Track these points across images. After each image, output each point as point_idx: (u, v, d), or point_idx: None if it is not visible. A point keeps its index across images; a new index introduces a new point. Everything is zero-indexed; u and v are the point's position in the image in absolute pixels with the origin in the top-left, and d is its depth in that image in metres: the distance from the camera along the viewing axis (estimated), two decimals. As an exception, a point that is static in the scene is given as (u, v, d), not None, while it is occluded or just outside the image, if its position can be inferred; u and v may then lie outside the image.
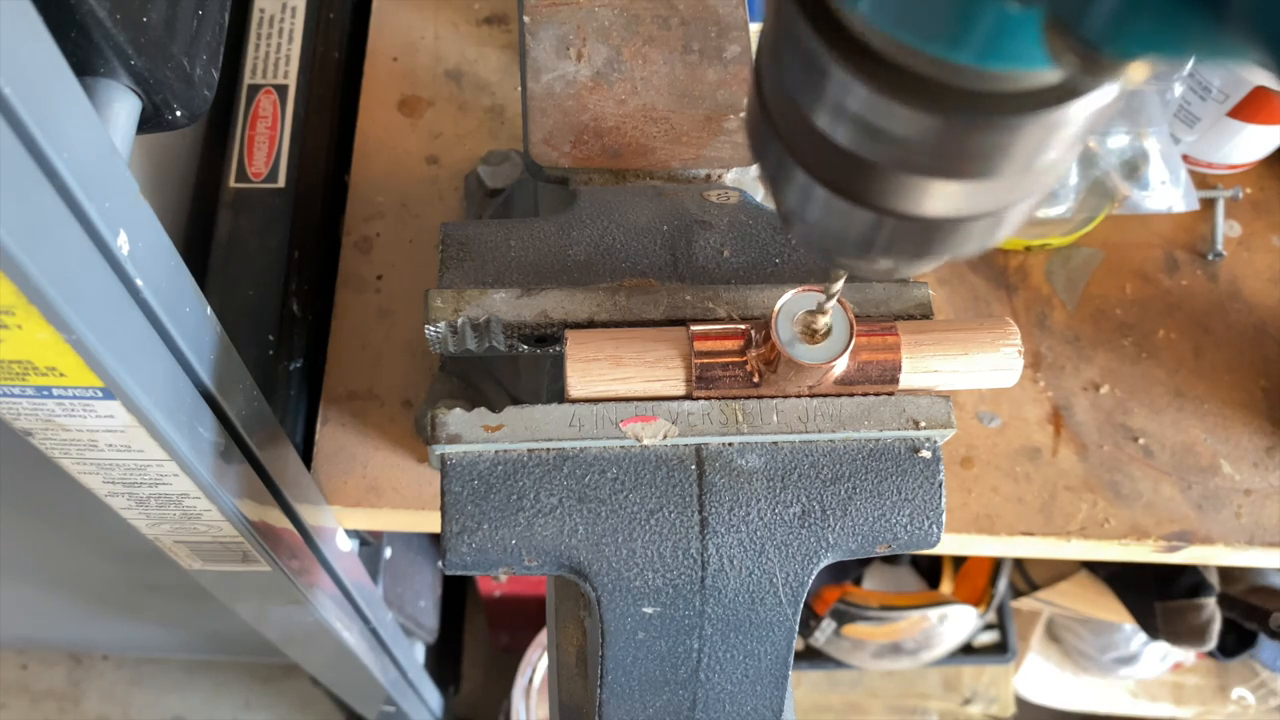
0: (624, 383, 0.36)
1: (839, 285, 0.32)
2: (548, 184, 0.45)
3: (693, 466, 0.36)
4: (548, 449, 0.36)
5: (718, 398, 0.36)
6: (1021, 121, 0.19)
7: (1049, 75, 0.19)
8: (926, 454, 0.37)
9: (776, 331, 0.34)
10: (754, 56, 0.24)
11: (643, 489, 0.36)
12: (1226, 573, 0.91)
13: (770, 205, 0.43)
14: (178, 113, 0.37)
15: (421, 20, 0.70)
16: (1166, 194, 0.65)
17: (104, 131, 0.28)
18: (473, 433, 0.36)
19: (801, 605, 0.37)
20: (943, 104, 0.19)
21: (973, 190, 0.21)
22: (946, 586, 1.11)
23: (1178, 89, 0.65)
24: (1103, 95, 0.19)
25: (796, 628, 0.38)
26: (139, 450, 0.37)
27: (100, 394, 0.32)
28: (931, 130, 0.20)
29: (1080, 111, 0.19)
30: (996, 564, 1.09)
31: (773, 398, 0.37)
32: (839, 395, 0.37)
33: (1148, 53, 0.15)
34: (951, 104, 0.19)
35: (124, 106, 0.35)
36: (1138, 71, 0.16)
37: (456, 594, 1.27)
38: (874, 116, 0.20)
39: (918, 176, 0.21)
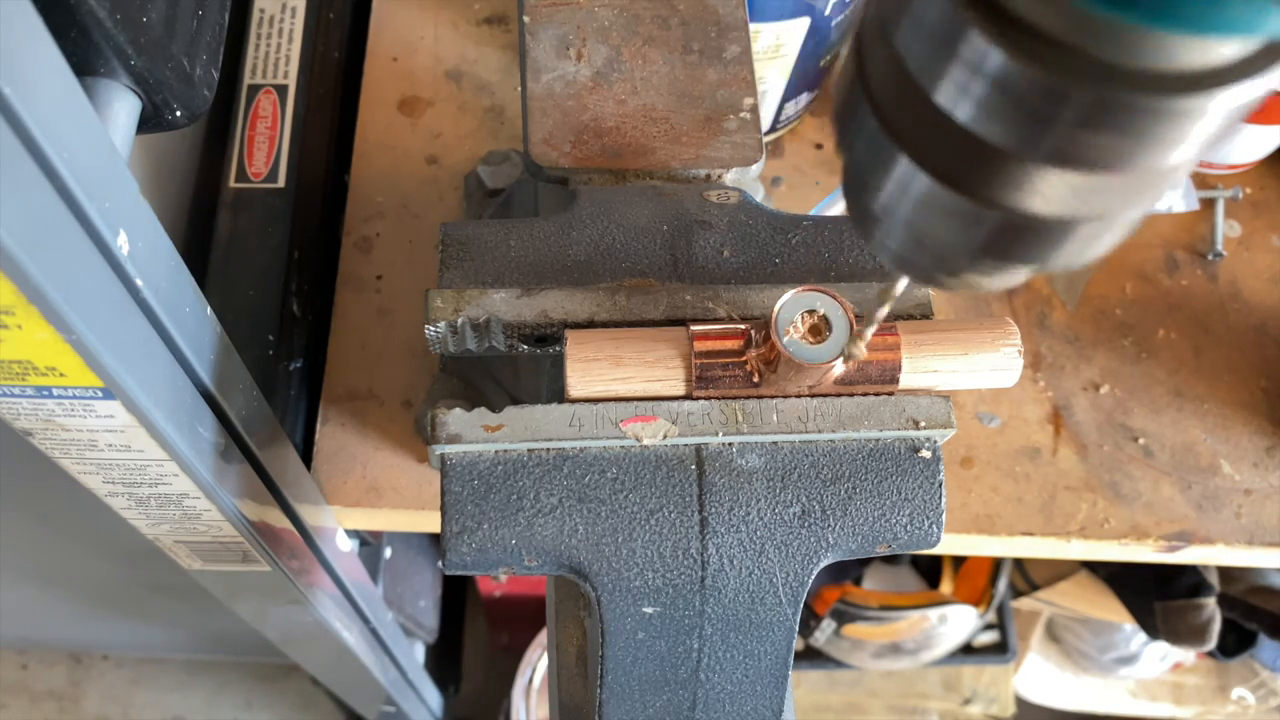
0: (624, 383, 0.36)
1: (884, 310, 0.31)
2: (548, 184, 0.45)
3: (693, 466, 0.36)
4: (548, 449, 0.36)
5: (718, 398, 0.36)
6: (1170, 105, 0.18)
7: (1210, 55, 0.18)
8: (926, 454, 0.37)
9: (776, 331, 0.34)
10: (855, 31, 0.23)
11: (643, 489, 0.36)
12: (1226, 573, 0.91)
13: (770, 205, 0.43)
14: (178, 113, 0.37)
15: (421, 20, 0.70)
16: (1166, 194, 0.65)
17: (104, 131, 0.28)
18: (473, 433, 0.36)
19: (801, 605, 0.37)
20: (1086, 76, 0.18)
21: (1093, 186, 0.20)
22: (946, 586, 1.11)
23: (1178, 89, 0.64)
24: (1262, 83, 0.18)
25: (796, 628, 0.38)
26: (139, 450, 0.37)
27: (100, 394, 0.32)
28: (1067, 107, 0.18)
29: (1239, 96, 0.18)
30: (996, 564, 1.09)
31: (773, 398, 0.37)
32: (839, 395, 0.37)
33: None
34: (1096, 77, 0.18)
35: (124, 106, 0.35)
36: None
37: (456, 594, 1.27)
38: (1009, 89, 0.19)
39: (1037, 164, 0.20)
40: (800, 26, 0.58)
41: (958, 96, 0.20)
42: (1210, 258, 0.68)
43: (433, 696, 1.14)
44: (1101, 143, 0.19)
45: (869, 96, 0.22)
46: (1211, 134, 0.19)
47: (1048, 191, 0.20)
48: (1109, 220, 0.22)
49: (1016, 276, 0.24)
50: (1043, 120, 0.19)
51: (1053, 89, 0.18)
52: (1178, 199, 0.65)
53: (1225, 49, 0.18)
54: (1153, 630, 0.94)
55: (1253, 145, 0.67)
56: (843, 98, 0.23)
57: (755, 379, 0.36)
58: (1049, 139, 0.19)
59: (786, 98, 0.64)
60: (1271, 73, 0.18)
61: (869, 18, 0.22)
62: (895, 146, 0.22)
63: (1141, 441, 0.62)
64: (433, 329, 0.38)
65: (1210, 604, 0.89)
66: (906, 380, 0.37)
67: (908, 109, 0.21)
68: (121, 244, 0.30)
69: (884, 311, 0.31)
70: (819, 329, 0.35)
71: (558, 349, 0.38)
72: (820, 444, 0.37)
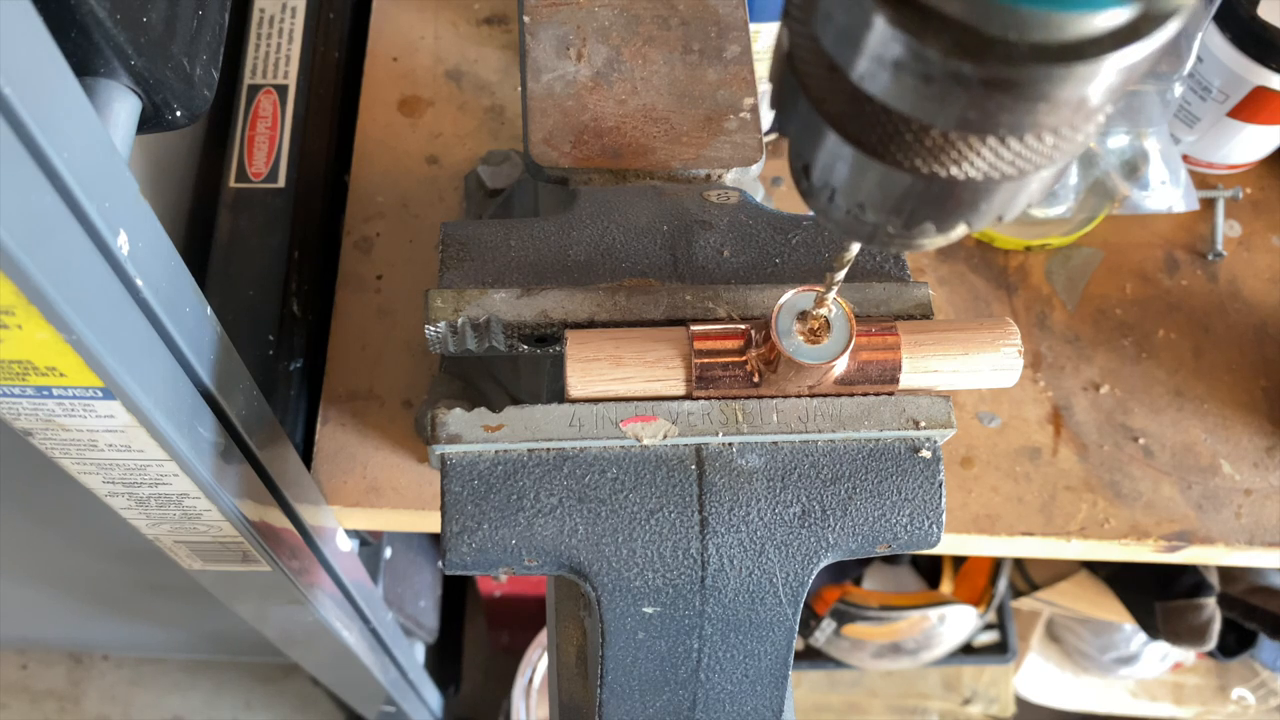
0: (624, 383, 0.36)
1: (840, 274, 0.32)
2: (548, 184, 0.45)
3: (693, 466, 0.36)
4: (548, 449, 0.36)
5: (718, 398, 0.36)
6: (1061, 72, 0.19)
7: (1094, 23, 0.19)
8: (926, 454, 0.37)
9: (776, 331, 0.34)
10: (781, 15, 0.24)
11: (643, 489, 0.36)
12: (1226, 573, 0.91)
13: (770, 205, 0.43)
14: (178, 113, 0.37)
15: (421, 20, 0.70)
16: (1166, 194, 0.65)
17: (104, 131, 0.28)
18: (473, 433, 0.36)
19: (801, 605, 0.37)
20: (983, 52, 0.19)
21: (1006, 149, 0.22)
22: (946, 586, 1.11)
23: (1178, 89, 0.65)
24: (1141, 48, 0.20)
25: (796, 628, 0.38)
26: (139, 450, 0.37)
27: (100, 394, 0.32)
28: (970, 82, 0.20)
29: (1120, 61, 0.20)
30: (996, 564, 1.09)
31: (773, 398, 0.37)
32: (839, 395, 0.37)
33: None
34: (992, 52, 0.19)
35: (124, 106, 0.35)
36: None
37: (456, 594, 1.27)
38: (915, 68, 0.20)
39: (951, 133, 0.21)
40: (800, 26, 0.58)
41: (870, 74, 0.21)
42: (1210, 258, 0.68)
43: (433, 696, 1.14)
44: (1007, 111, 0.20)
45: (797, 75, 0.23)
46: (1108, 95, 0.21)
47: (964, 157, 0.22)
48: (1027, 178, 0.23)
49: (952, 235, 0.26)
50: (949, 94, 0.20)
51: (954, 67, 0.20)
52: (1178, 199, 0.65)
53: (1101, 19, 0.19)
54: (1153, 630, 0.94)
55: (1253, 145, 0.67)
56: (777, 78, 0.25)
57: (755, 379, 0.36)
58: (957, 110, 0.21)
59: (786, 98, 0.64)
60: (1151, 38, 0.19)
61: (792, 2, 0.23)
62: (823, 122, 0.23)
63: (1141, 441, 0.62)
64: (433, 329, 0.38)
65: (1210, 604, 0.89)
66: (906, 380, 0.37)
67: (830, 86, 0.22)
68: (121, 244, 0.30)
69: (841, 275, 0.32)
70: (819, 329, 0.35)
71: (558, 349, 0.38)
72: (820, 444, 0.37)
